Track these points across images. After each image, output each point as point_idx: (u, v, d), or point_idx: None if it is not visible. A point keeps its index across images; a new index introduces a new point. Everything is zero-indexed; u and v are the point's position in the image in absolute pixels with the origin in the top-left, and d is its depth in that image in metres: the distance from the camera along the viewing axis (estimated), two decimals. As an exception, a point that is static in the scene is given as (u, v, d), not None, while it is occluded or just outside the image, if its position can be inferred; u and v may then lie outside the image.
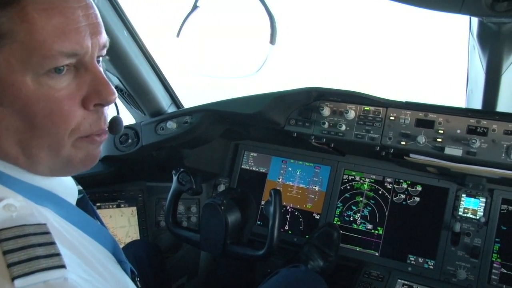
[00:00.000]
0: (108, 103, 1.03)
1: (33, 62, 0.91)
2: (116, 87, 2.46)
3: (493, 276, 2.20)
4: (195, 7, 1.58)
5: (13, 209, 0.91)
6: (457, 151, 2.07)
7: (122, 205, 2.74)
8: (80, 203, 1.23)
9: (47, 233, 0.90)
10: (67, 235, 1.00)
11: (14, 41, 0.89)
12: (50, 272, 0.84)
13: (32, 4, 0.89)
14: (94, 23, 0.99)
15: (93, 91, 1.00)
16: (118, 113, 2.23)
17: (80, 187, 1.26)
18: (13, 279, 0.80)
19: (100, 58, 1.07)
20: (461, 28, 1.94)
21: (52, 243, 0.88)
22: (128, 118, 2.75)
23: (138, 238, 2.72)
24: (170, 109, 2.71)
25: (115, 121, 1.16)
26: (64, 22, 0.92)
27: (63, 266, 0.86)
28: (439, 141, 2.11)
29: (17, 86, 0.91)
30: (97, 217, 1.28)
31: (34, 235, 0.87)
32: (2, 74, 0.90)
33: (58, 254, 0.87)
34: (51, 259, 0.85)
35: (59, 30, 0.92)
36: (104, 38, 1.03)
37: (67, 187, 1.13)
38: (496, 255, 2.22)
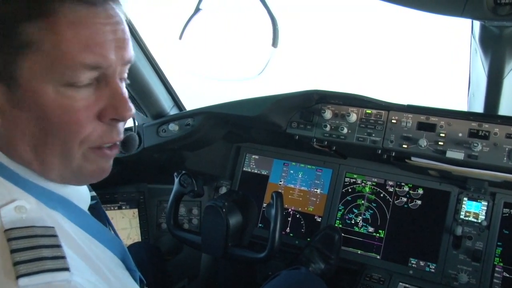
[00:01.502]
0: (123, 120, 1.05)
1: (55, 72, 0.93)
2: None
3: (495, 280, 2.20)
4: (197, 9, 1.58)
5: (24, 210, 0.93)
6: (458, 155, 2.07)
7: (124, 207, 2.74)
8: (93, 209, 1.25)
9: (54, 236, 0.91)
10: (76, 239, 1.01)
11: (40, 50, 0.92)
12: (55, 273, 0.85)
13: (63, 17, 0.92)
14: (121, 39, 1.01)
15: (110, 105, 1.01)
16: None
17: (94, 193, 1.29)
18: (18, 277, 0.81)
19: (125, 75, 1.09)
20: (463, 31, 1.94)
21: (59, 246, 0.90)
22: (130, 120, 2.76)
23: (139, 240, 2.72)
24: (172, 111, 2.71)
25: (130, 139, 1.18)
26: (90, 35, 0.95)
27: (67, 269, 0.87)
28: (441, 145, 2.11)
29: (38, 93, 0.94)
30: (109, 223, 1.30)
31: (42, 237, 0.89)
32: (25, 80, 0.93)
33: (63, 257, 0.88)
34: (57, 261, 0.87)
35: (84, 43, 0.94)
36: (129, 54, 1.05)
37: (80, 193, 1.14)
38: (498, 259, 2.22)
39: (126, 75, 1.09)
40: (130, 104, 1.04)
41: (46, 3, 0.91)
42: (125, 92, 1.05)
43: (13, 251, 0.84)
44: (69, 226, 1.03)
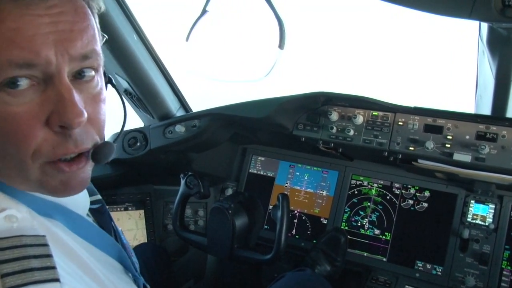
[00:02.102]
0: (70, 126, 0.88)
1: None
2: (125, 91, 2.47)
3: (502, 284, 2.18)
4: (204, 11, 1.58)
5: (14, 220, 0.89)
6: (466, 157, 2.06)
7: (130, 208, 2.75)
8: (98, 212, 1.22)
9: (45, 245, 0.87)
10: (72, 247, 0.98)
11: None
12: (44, 285, 0.81)
13: None
14: (66, 30, 0.87)
15: (55, 110, 0.87)
16: (125, 116, 2.25)
17: (99, 197, 1.25)
18: None
19: (92, 73, 0.95)
20: (470, 33, 1.94)
21: (49, 256, 0.85)
22: (137, 121, 2.77)
23: (145, 241, 2.73)
24: (179, 112, 2.72)
25: (102, 147, 0.98)
26: (16, 29, 0.82)
27: (57, 280, 0.83)
28: (448, 147, 2.10)
29: None
30: (113, 227, 1.26)
31: (31, 246, 0.84)
32: None
33: (53, 267, 0.84)
34: (46, 272, 0.83)
35: (8, 37, 0.82)
36: (80, 48, 0.89)
37: (76, 199, 1.06)
38: (506, 262, 2.20)
39: (91, 72, 0.94)
40: (78, 108, 0.88)
41: None
42: (73, 94, 0.88)
43: (0, 262, 0.80)
44: (65, 233, 1.01)
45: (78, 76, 0.92)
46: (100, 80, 0.98)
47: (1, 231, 0.85)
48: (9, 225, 0.87)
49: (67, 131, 0.89)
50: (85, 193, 1.16)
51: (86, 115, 0.89)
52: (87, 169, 0.98)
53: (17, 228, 0.87)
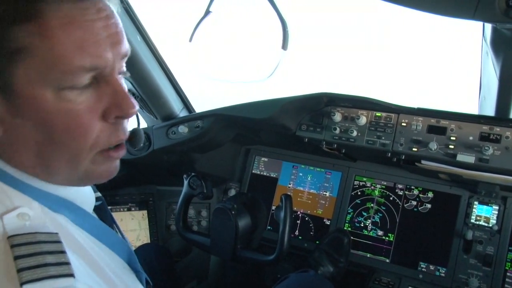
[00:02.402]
0: (128, 116, 1.02)
1: (53, 77, 0.90)
2: (129, 91, 2.47)
3: (506, 286, 2.17)
4: (207, 12, 1.59)
5: (27, 218, 0.92)
6: (469, 158, 2.05)
7: (133, 209, 2.76)
8: (98, 210, 1.24)
9: (58, 242, 0.90)
10: (82, 243, 1.01)
11: (33, 56, 0.88)
12: (58, 280, 0.84)
13: (52, 20, 0.88)
14: (114, 33, 0.97)
15: (113, 104, 0.98)
16: (138, 123, 2.25)
17: (99, 194, 1.27)
18: (21, 284, 0.81)
19: (124, 69, 1.06)
20: (474, 33, 1.93)
21: (62, 252, 0.89)
22: (140, 122, 2.77)
23: (149, 241, 2.74)
24: (182, 113, 2.72)
25: (135, 133, 1.16)
26: (83, 36, 0.91)
27: (71, 275, 0.86)
28: (451, 148, 2.10)
29: (37, 100, 0.91)
30: (115, 224, 1.29)
31: (45, 243, 0.88)
32: (22, 87, 0.90)
33: (67, 263, 0.87)
34: (60, 267, 0.86)
35: (79, 44, 0.90)
36: (125, 47, 1.01)
37: (83, 195, 1.12)
38: (509, 263, 2.19)
39: (124, 68, 1.06)
40: (133, 100, 1.01)
41: (30, 4, 0.87)
42: (126, 88, 1.02)
43: (16, 257, 0.83)
44: (74, 229, 1.03)
45: (120, 72, 1.04)
46: None
47: (14, 229, 0.88)
48: (22, 223, 0.90)
49: (120, 121, 1.02)
50: (90, 189, 1.19)
51: (137, 106, 1.02)
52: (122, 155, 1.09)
53: (29, 226, 0.90)
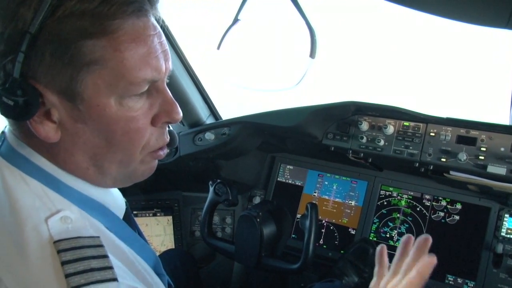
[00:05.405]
0: (175, 122, 1.12)
1: (119, 87, 0.97)
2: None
3: (537, 301, 2.11)
4: (236, 20, 1.60)
5: (69, 221, 0.96)
6: (500, 170, 2.01)
7: (158, 214, 2.78)
8: (124, 215, 1.26)
9: (101, 246, 0.94)
10: (122, 247, 1.04)
11: (104, 67, 0.95)
12: (104, 285, 0.87)
13: (123, 35, 0.95)
14: (166, 50, 1.06)
15: (163, 110, 1.08)
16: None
17: (124, 199, 1.29)
18: None
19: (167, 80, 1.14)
20: (505, 41, 1.90)
21: (105, 256, 0.92)
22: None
23: (173, 247, 2.75)
24: (208, 120, 2.74)
25: (172, 135, 1.23)
26: (147, 51, 0.99)
27: (115, 279, 0.89)
28: (482, 159, 2.05)
29: (101, 107, 0.98)
30: (138, 230, 1.31)
31: (89, 248, 0.91)
32: (89, 95, 0.96)
33: (111, 267, 0.91)
34: (105, 272, 0.89)
35: (144, 58, 0.98)
36: (171, 63, 1.10)
37: (116, 201, 1.17)
38: (541, 279, 2.13)
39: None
40: (179, 108, 1.11)
41: (109, 20, 0.93)
42: (173, 98, 1.11)
43: (63, 263, 0.86)
44: (109, 233, 1.05)
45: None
46: None
47: (59, 233, 0.91)
48: (65, 226, 0.94)
49: (165, 126, 1.12)
50: (121, 195, 1.23)
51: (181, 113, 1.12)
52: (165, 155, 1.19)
53: (72, 229, 0.94)
